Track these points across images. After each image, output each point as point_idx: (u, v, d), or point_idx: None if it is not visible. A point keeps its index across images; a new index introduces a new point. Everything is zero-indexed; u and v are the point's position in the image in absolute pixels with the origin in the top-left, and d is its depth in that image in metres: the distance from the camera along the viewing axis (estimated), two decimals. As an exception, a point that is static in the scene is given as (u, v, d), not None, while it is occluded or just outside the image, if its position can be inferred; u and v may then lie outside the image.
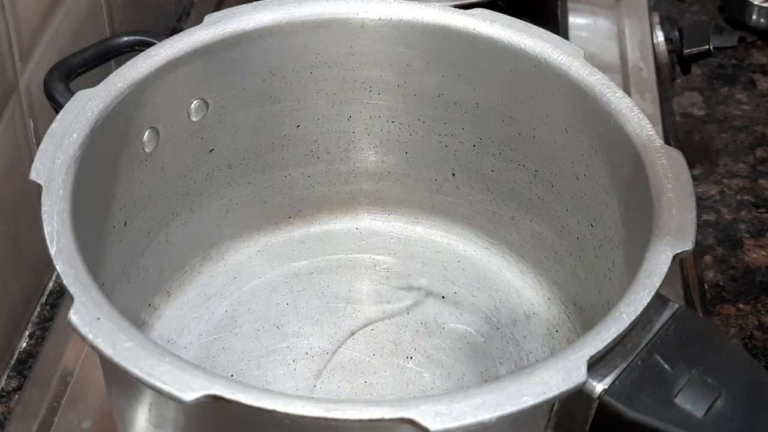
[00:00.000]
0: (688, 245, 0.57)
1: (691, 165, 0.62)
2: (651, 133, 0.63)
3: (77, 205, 0.59)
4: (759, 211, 0.87)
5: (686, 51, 1.00)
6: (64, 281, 0.54)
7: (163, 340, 0.71)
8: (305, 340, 0.72)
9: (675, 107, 0.98)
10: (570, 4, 1.05)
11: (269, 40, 0.70)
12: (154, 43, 0.69)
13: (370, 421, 0.49)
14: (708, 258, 0.83)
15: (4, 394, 0.75)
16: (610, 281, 0.67)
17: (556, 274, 0.74)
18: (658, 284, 0.55)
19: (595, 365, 0.53)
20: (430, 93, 0.74)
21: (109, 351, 0.51)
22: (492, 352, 0.71)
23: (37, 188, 0.59)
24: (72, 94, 0.65)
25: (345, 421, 0.49)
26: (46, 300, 0.81)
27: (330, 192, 0.78)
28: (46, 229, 0.56)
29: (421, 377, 0.70)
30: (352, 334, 0.72)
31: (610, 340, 0.53)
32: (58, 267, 0.55)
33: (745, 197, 0.88)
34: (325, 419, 0.49)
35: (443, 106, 0.74)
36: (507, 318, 0.74)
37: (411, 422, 0.49)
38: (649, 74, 1.00)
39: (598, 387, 0.53)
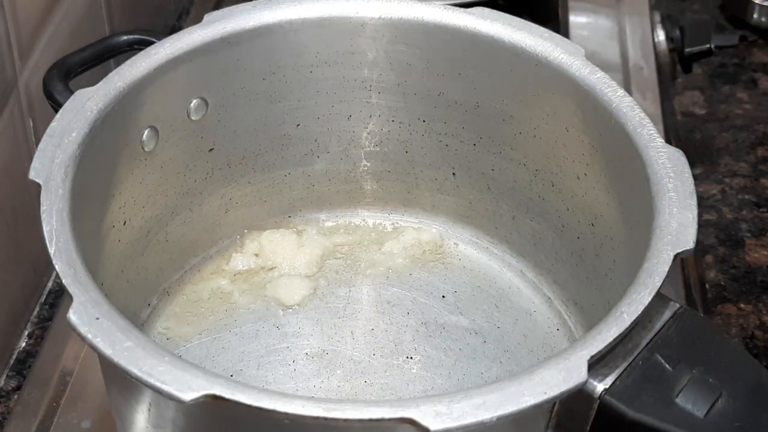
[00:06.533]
0: (689, 245, 0.57)
1: (692, 164, 0.62)
2: (652, 132, 0.63)
3: (76, 204, 0.58)
4: (760, 210, 0.87)
5: (687, 50, 1.00)
6: (64, 281, 0.54)
7: (163, 339, 0.71)
8: (305, 340, 0.72)
9: (676, 106, 0.97)
10: (571, 3, 1.05)
11: (269, 39, 0.70)
12: (154, 42, 0.68)
13: (370, 421, 0.49)
14: (709, 257, 0.83)
15: (3, 393, 0.74)
16: (610, 281, 0.67)
17: (557, 273, 0.73)
18: (659, 284, 0.55)
19: (596, 365, 0.53)
20: (431, 92, 0.73)
21: (108, 351, 0.51)
22: (492, 352, 0.71)
23: (36, 187, 0.59)
24: (71, 93, 0.65)
25: (345, 421, 0.49)
26: (45, 299, 0.81)
27: (330, 191, 0.78)
28: (45, 229, 0.56)
29: (421, 377, 0.70)
30: (352, 334, 0.72)
31: (610, 339, 0.53)
32: (57, 266, 0.55)
33: (747, 196, 0.88)
34: (325, 419, 0.49)
35: (443, 105, 0.74)
36: (507, 317, 0.73)
37: (411, 422, 0.49)
38: (650, 73, 0.99)
39: (599, 387, 0.53)
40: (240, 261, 0.75)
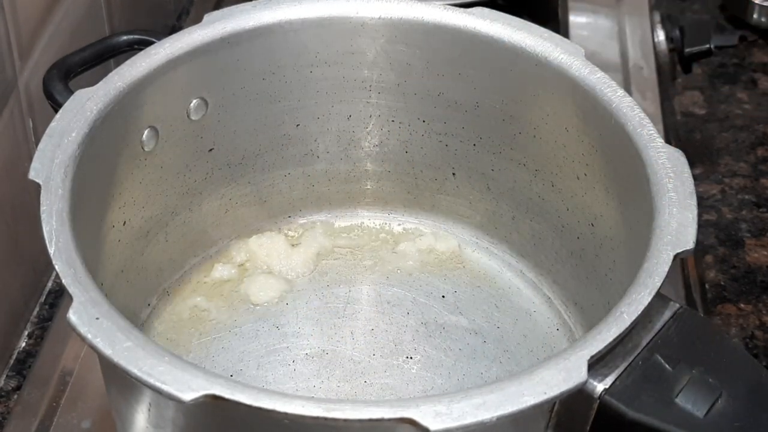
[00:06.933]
0: (689, 245, 0.57)
1: (692, 164, 0.62)
2: (652, 132, 0.63)
3: (76, 204, 0.58)
4: (760, 210, 0.87)
5: (687, 50, 1.00)
6: (63, 281, 0.54)
7: (162, 339, 0.71)
8: (305, 340, 0.72)
9: (676, 106, 0.97)
10: (571, 3, 1.05)
11: (269, 39, 0.70)
12: (154, 42, 0.68)
13: (370, 421, 0.49)
14: (709, 257, 0.83)
15: (3, 393, 0.74)
16: (610, 281, 0.67)
17: (557, 273, 0.73)
18: (659, 284, 0.55)
19: (596, 365, 0.53)
20: (430, 92, 0.73)
21: (108, 351, 0.51)
22: (492, 352, 0.71)
23: (36, 187, 0.59)
24: (71, 93, 0.65)
25: (345, 421, 0.49)
26: (45, 299, 0.81)
27: (330, 191, 0.78)
28: (45, 229, 0.56)
29: (421, 377, 0.70)
30: (352, 334, 0.72)
31: (610, 339, 0.53)
32: (57, 266, 0.55)
33: (746, 197, 0.88)
34: (325, 419, 0.49)
35: (443, 106, 0.74)
36: (507, 318, 0.73)
37: (411, 422, 0.49)
38: (649, 73, 0.99)
39: (599, 387, 0.53)
40: (221, 271, 0.75)
